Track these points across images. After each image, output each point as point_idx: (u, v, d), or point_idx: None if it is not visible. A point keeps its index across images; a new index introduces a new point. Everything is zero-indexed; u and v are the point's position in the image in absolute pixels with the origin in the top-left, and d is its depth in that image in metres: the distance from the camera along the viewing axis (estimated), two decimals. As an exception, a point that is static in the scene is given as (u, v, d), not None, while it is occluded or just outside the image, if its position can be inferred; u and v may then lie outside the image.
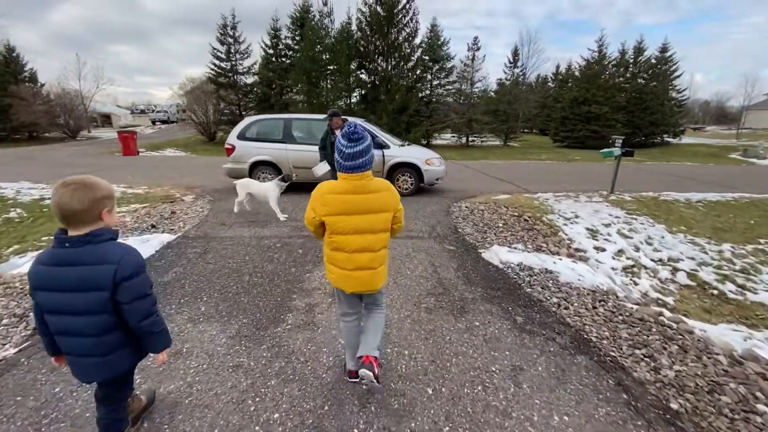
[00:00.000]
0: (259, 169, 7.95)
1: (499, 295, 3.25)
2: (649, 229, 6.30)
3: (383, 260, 1.97)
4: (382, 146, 7.72)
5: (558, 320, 2.87)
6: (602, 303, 3.20)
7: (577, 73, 30.63)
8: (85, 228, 1.36)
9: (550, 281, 3.61)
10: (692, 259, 5.35)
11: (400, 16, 22.87)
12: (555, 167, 14.78)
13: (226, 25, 25.24)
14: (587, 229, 6.06)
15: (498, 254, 4.26)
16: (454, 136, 27.59)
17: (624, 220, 6.59)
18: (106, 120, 44.83)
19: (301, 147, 7.71)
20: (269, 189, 5.78)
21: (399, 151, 7.86)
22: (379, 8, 22.39)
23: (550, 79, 44.88)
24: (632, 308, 3.16)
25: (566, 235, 5.72)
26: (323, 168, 5.95)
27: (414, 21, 23.10)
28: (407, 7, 22.56)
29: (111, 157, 16.31)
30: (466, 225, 5.65)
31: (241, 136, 8.03)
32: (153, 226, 5.38)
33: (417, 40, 23.73)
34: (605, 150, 8.19)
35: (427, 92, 26.10)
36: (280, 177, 5.89)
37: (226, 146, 8.11)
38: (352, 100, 23.50)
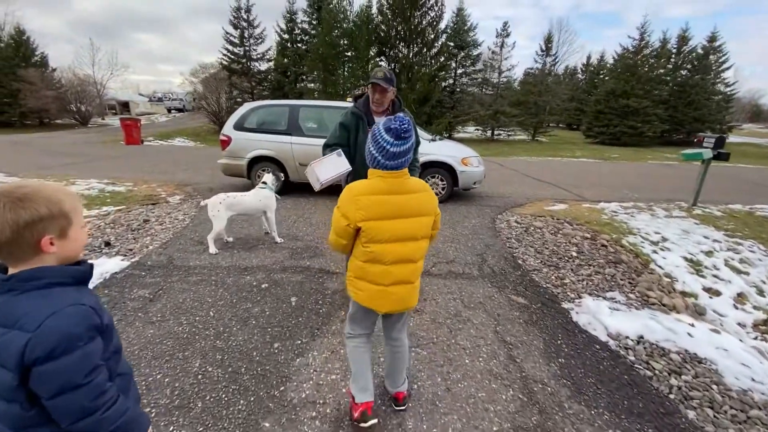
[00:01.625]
0: (259, 166, 6.56)
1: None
2: (766, 261, 4.69)
3: (420, 272, 1.74)
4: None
5: None
6: None
7: (609, 65, 28.35)
8: (21, 264, 0.89)
9: (714, 386, 2.10)
10: None
11: (423, -1, 21.10)
12: (599, 167, 13.01)
13: (240, 7, 23.83)
14: (685, 259, 4.52)
15: (599, 318, 2.76)
16: (478, 129, 25.74)
17: (728, 246, 4.98)
18: (125, 107, 44.54)
19: (309, 141, 6.28)
20: (266, 198, 4.16)
21: (429, 148, 6.34)
22: (401, -11, 20.66)
23: (579, 70, 42.27)
24: None
25: (661, 269, 4.20)
26: (335, 164, 2.55)
27: (439, 4, 21.31)
28: (432, -12, 20.77)
29: (112, 146, 15.23)
30: (526, 253, 4.15)
31: (239, 126, 6.64)
32: (107, 244, 4.04)
33: (442, 25, 21.96)
34: (690, 151, 6.51)
35: (451, 81, 24.32)
36: (262, 181, 4.31)
37: (221, 138, 6.74)
38: (356, 93, 21.90)
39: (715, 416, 1.89)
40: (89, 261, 1.02)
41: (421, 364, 2.16)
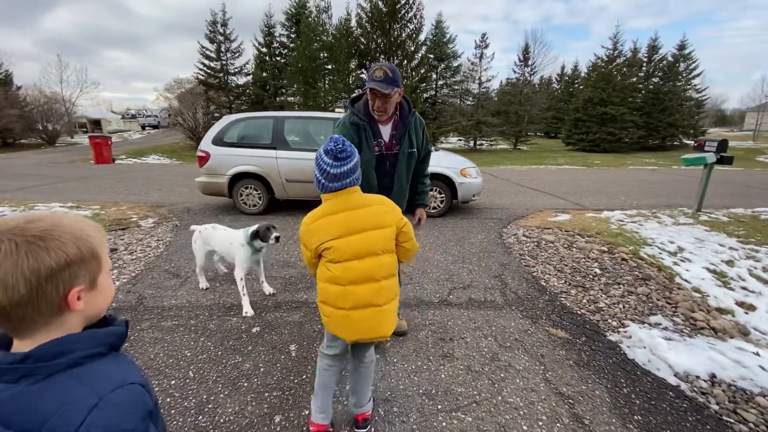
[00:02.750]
0: (241, 183, 6.01)
1: None
2: (788, 268, 4.43)
3: (390, 295, 1.58)
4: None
5: None
6: None
7: (584, 74, 28.97)
8: (33, 333, 0.63)
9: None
10: None
11: (403, 12, 21.15)
12: (585, 174, 12.93)
13: (215, 21, 23.31)
14: (708, 270, 4.23)
15: (658, 353, 2.35)
16: (461, 140, 25.72)
17: (746, 254, 4.73)
18: (96, 125, 42.98)
19: (296, 154, 5.79)
20: (239, 257, 2.94)
21: (425, 159, 5.93)
22: (380, 3, 20.62)
23: (555, 80, 43.27)
24: None
25: (688, 282, 3.90)
26: None
27: (418, 16, 21.40)
28: (411, 1, 20.82)
29: (81, 166, 14.31)
30: (546, 272, 3.74)
31: (218, 141, 6.09)
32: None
33: (421, 37, 21.99)
34: (691, 156, 6.32)
35: (432, 92, 24.32)
36: (253, 230, 2.88)
37: (199, 154, 6.18)
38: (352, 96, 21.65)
39: None
40: (116, 316, 0.79)
41: (468, 436, 1.68)
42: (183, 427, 1.72)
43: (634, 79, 25.87)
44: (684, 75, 26.34)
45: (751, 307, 3.53)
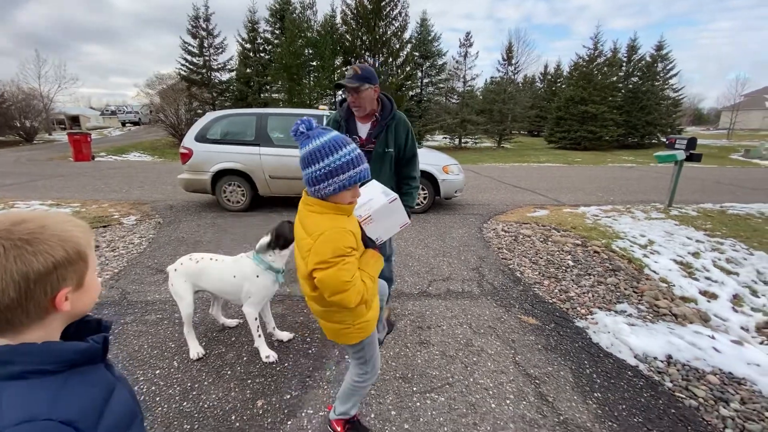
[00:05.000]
0: (224, 180, 6.02)
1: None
2: (750, 259, 4.70)
3: (336, 317, 1.33)
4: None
5: None
6: None
7: (566, 73, 29.57)
8: (14, 335, 0.62)
9: (766, 412, 1.86)
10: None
11: (388, 9, 21.18)
12: (567, 172, 13.25)
13: (198, 16, 22.97)
14: (675, 262, 4.45)
15: (619, 336, 2.51)
16: (446, 138, 25.95)
17: (711, 247, 4.98)
18: (74, 122, 41.83)
19: (279, 151, 5.83)
20: (248, 276, 2.18)
21: (408, 156, 6.04)
22: (365, 0, 20.62)
23: (538, 79, 43.92)
24: None
25: (656, 273, 4.10)
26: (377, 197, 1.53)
27: (403, 14, 21.48)
28: (396, -2, 20.88)
29: (59, 163, 13.98)
30: (522, 264, 3.89)
31: (201, 138, 6.08)
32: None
33: (406, 35, 22.09)
34: (663, 153, 6.58)
35: (418, 91, 24.46)
36: (269, 241, 2.16)
37: (181, 150, 6.15)
38: (338, 98, 21.65)
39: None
40: (101, 318, 0.76)
41: (441, 416, 1.79)
42: (168, 413, 1.79)
43: (614, 79, 26.50)
44: (662, 75, 27.10)
45: (713, 296, 3.75)
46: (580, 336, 2.52)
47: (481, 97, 28.23)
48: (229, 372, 2.09)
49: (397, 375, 2.08)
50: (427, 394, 1.92)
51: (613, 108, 25.09)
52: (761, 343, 3.03)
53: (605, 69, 25.53)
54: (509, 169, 13.94)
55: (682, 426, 1.76)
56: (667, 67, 26.96)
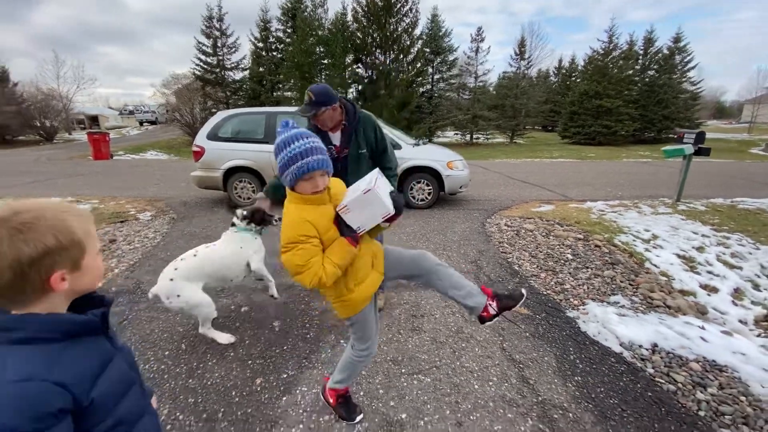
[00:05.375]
0: (235, 177, 6.22)
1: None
2: (756, 254, 4.66)
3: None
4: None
5: None
6: None
7: (581, 67, 29.10)
8: (22, 308, 0.71)
9: (742, 397, 1.93)
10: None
11: (398, 6, 21.18)
12: (578, 167, 13.12)
13: (211, 17, 23.39)
14: (678, 256, 4.44)
15: (608, 326, 2.58)
16: (457, 133, 25.86)
17: (717, 241, 4.95)
18: (93, 122, 43.07)
19: (288, 149, 5.98)
20: (250, 250, 2.60)
21: (412, 152, 6.16)
22: (376, -3, 20.68)
23: (552, 73, 43.30)
24: None
25: (656, 267, 4.11)
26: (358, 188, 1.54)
27: (414, 11, 21.43)
28: (407, -5, 20.86)
29: (79, 162, 14.49)
30: (521, 258, 3.97)
31: (213, 136, 6.29)
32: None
33: (417, 31, 22.06)
34: (671, 148, 6.53)
35: (429, 87, 24.42)
36: (246, 215, 2.60)
37: (194, 149, 6.37)
38: (349, 96, 21.78)
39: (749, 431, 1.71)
40: (109, 295, 0.86)
41: (425, 395, 1.91)
42: (174, 388, 1.95)
43: (630, 72, 25.97)
44: (679, 68, 26.45)
45: (714, 290, 3.76)
46: (569, 325, 2.60)
47: (494, 92, 28.05)
48: (231, 354, 2.25)
49: (388, 358, 2.21)
50: (415, 376, 2.04)
51: (628, 102, 24.61)
52: (758, 335, 3.06)
53: (621, 62, 25.05)
54: (519, 164, 13.88)
55: (656, 408, 1.84)
56: (685, 60, 26.28)
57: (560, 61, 42.86)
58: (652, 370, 2.15)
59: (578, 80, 30.62)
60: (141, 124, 43.47)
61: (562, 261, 3.93)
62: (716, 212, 6.17)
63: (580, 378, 2.04)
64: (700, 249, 4.63)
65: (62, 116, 28.52)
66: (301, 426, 1.72)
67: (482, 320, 1.59)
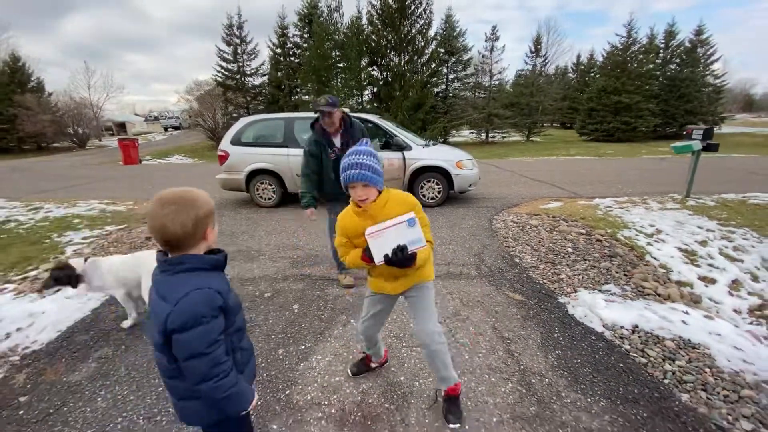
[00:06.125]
0: (257, 179, 6.66)
1: (643, 417, 1.79)
2: (759, 247, 4.76)
3: None
4: (401, 147, 6.35)
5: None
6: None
7: (600, 63, 28.70)
8: (185, 251, 1.13)
9: (707, 369, 2.16)
10: (838, 290, 3.83)
11: (412, 8, 21.42)
12: (593, 164, 13.12)
13: (231, 25, 24.18)
14: (680, 250, 4.60)
15: (595, 310, 2.83)
16: (472, 133, 25.93)
17: (721, 235, 5.06)
18: (121, 128, 44.98)
19: (305, 152, 6.38)
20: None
21: (423, 153, 6.46)
22: (390, 0, 20.96)
23: (570, 69, 42.68)
24: None
25: (656, 260, 4.28)
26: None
27: (428, 12, 21.63)
28: (420, -3, 21.10)
29: (110, 167, 15.35)
30: (523, 251, 4.22)
31: (236, 141, 6.75)
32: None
33: (431, 32, 22.25)
34: (679, 144, 6.61)
35: (443, 87, 24.57)
36: (52, 275, 2.49)
37: (219, 153, 6.85)
38: (364, 98, 22.17)
39: (708, 398, 1.94)
40: (224, 251, 1.24)
41: (421, 363, 2.22)
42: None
43: (651, 66, 25.48)
44: (702, 61, 25.77)
45: (711, 281, 3.93)
46: (558, 309, 2.86)
47: (511, 90, 27.96)
48: (257, 330, 2.62)
49: (392, 335, 2.53)
50: (414, 348, 2.36)
51: (649, 97, 24.15)
52: (750, 323, 3.24)
53: (641, 57, 24.62)
54: (533, 162, 13.95)
55: (625, 376, 2.09)
56: (708, 52, 25.59)
57: (578, 56, 42.22)
58: (628, 347, 2.40)
59: (597, 76, 30.18)
60: (165, 129, 45.09)
61: (562, 254, 4.15)
62: (725, 207, 6.23)
63: (560, 352, 2.31)
64: (703, 243, 4.76)
65: (93, 124, 29.96)
66: (315, 385, 2.06)
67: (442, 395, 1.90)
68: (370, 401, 1.93)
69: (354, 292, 3.23)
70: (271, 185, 6.66)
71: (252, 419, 1.48)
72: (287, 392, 2.01)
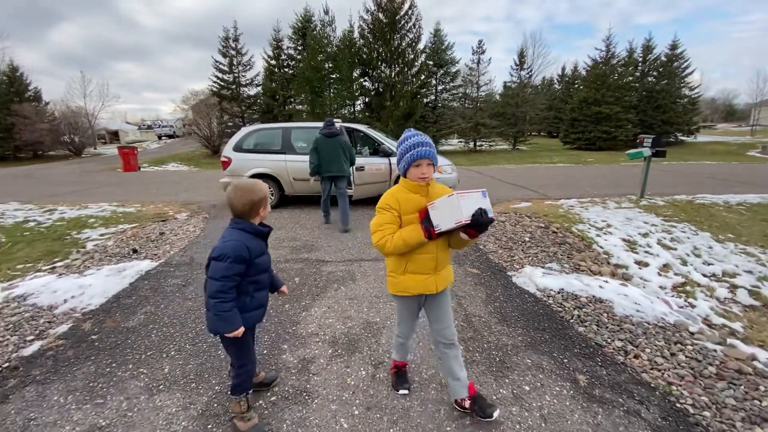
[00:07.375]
0: (257, 182, 7.37)
1: (546, 338, 2.56)
2: (693, 239, 5.57)
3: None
4: (388, 154, 7.10)
5: (633, 378, 2.16)
6: (679, 346, 2.49)
7: (583, 75, 30.04)
8: (248, 219, 1.78)
9: (604, 314, 2.91)
10: (750, 272, 4.60)
11: (402, 22, 22.43)
12: (570, 171, 14.04)
13: (228, 37, 25.04)
14: (623, 240, 5.37)
15: (533, 278, 3.58)
16: (461, 141, 26.94)
17: (663, 229, 5.86)
18: (114, 136, 45.26)
19: (301, 158, 7.11)
20: None
21: (407, 159, 7.22)
22: (381, 15, 21.98)
23: (555, 80, 44.22)
24: (720, 353, 2.45)
25: (601, 248, 5.04)
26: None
27: (417, 26, 22.66)
28: (410, 12, 22.13)
29: (111, 173, 15.91)
30: (488, 241, 4.97)
31: (238, 148, 7.46)
32: (134, 251, 4.79)
33: (420, 46, 23.27)
34: (633, 151, 7.48)
35: (432, 97, 25.58)
36: None
37: (222, 159, 7.55)
38: (356, 108, 23.03)
39: (597, 329, 2.69)
40: (270, 227, 1.86)
41: (391, 319, 2.96)
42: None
43: (630, 78, 26.82)
44: (678, 73, 27.18)
45: (645, 264, 4.68)
46: (504, 279, 3.62)
47: (499, 99, 29.09)
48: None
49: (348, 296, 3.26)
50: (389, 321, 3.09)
51: (628, 108, 25.39)
52: (672, 296, 4.00)
53: (621, 69, 25.92)
54: (514, 169, 14.83)
55: (541, 316, 2.84)
56: (683, 66, 27.01)
57: (563, 68, 43.79)
58: (551, 302, 3.15)
59: (580, 87, 31.54)
60: (160, 138, 45.42)
61: (520, 242, 4.92)
62: (673, 206, 7.07)
63: (498, 304, 3.06)
64: (645, 235, 5.55)
65: (88, 132, 30.42)
66: (314, 324, 2.79)
67: (458, 405, 1.93)
68: (353, 332, 2.66)
69: (344, 268, 3.95)
70: (270, 188, 7.37)
71: (255, 343, 1.94)
72: (294, 328, 2.74)
